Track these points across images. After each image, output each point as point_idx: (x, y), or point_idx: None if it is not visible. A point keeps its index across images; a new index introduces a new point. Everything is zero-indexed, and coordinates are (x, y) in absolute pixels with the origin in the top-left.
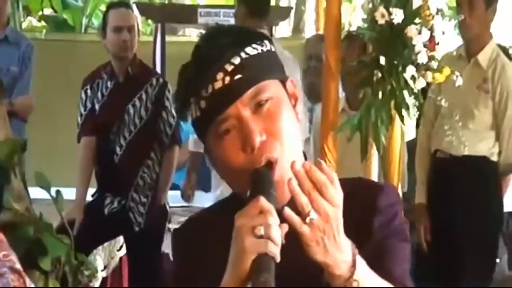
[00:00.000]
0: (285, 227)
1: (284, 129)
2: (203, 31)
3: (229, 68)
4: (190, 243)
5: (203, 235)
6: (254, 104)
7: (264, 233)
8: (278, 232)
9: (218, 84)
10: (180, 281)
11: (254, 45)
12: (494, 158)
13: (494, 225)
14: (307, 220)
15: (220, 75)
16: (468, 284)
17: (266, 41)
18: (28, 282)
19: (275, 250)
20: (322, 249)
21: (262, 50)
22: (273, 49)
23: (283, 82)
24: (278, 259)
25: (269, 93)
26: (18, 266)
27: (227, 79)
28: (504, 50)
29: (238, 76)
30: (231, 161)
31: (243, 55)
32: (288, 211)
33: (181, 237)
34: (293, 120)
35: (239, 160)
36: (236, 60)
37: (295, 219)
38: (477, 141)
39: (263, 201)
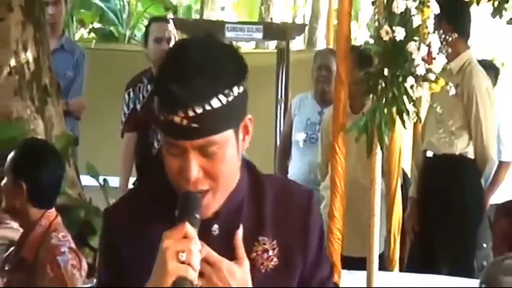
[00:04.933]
0: (204, 251)
1: (222, 170)
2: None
3: (190, 113)
4: (119, 224)
5: (133, 217)
6: (201, 147)
7: (185, 259)
8: (198, 258)
9: (176, 119)
10: (106, 260)
11: (221, 96)
12: (471, 155)
13: (476, 214)
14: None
15: (181, 114)
16: (450, 269)
17: (235, 88)
18: (83, 260)
19: (193, 275)
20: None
21: (227, 100)
22: (241, 91)
23: (238, 127)
24: (195, 283)
25: (218, 144)
26: (73, 245)
27: (185, 121)
28: (490, 63)
29: (194, 125)
30: (171, 176)
31: (206, 106)
32: None
33: (112, 217)
34: (234, 159)
35: (177, 178)
36: (199, 110)
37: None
38: (454, 140)
39: (188, 227)
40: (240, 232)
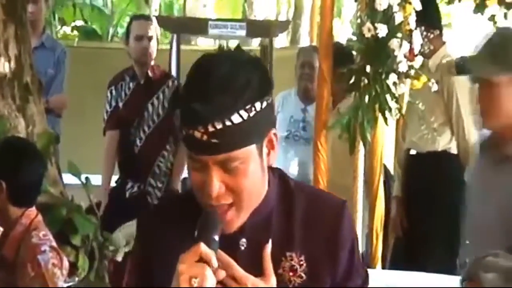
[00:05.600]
0: (222, 273)
1: (245, 185)
2: (215, 41)
3: (211, 129)
4: (154, 229)
5: (166, 223)
6: (223, 163)
7: (198, 284)
8: (212, 282)
9: (197, 134)
10: (138, 261)
11: (242, 112)
12: (454, 151)
13: (459, 211)
14: None
15: (201, 129)
16: (434, 263)
17: (257, 103)
18: (64, 258)
19: None
20: None
21: (248, 116)
22: (264, 106)
23: (261, 142)
24: None
25: (240, 159)
26: (54, 243)
27: (205, 137)
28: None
29: (214, 140)
30: (195, 190)
31: (227, 122)
32: None
33: (148, 221)
34: (257, 174)
35: (200, 192)
36: (219, 125)
37: None
38: (437, 137)
39: (203, 248)
40: (268, 247)
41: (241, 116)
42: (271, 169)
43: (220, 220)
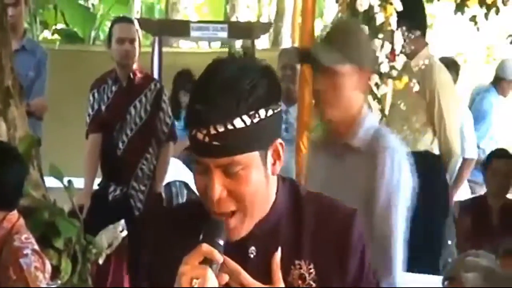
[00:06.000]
0: (225, 277)
1: (247, 192)
2: (194, 44)
3: (212, 131)
4: (157, 234)
5: (169, 229)
6: (225, 167)
7: (199, 285)
8: (213, 283)
9: (199, 135)
10: (141, 266)
11: (245, 117)
12: (436, 151)
13: (441, 211)
14: None
15: (203, 131)
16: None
17: (262, 110)
18: (46, 262)
19: None
20: None
21: (252, 122)
22: (270, 114)
23: (265, 150)
24: None
25: (242, 164)
26: (36, 247)
27: (207, 139)
28: (451, 61)
29: (216, 143)
30: (199, 195)
31: (229, 126)
32: None
33: (151, 226)
34: (260, 183)
35: (203, 197)
36: (221, 128)
37: None
38: (419, 137)
39: (205, 247)
40: (278, 255)
41: (243, 121)
42: (281, 177)
43: (225, 226)
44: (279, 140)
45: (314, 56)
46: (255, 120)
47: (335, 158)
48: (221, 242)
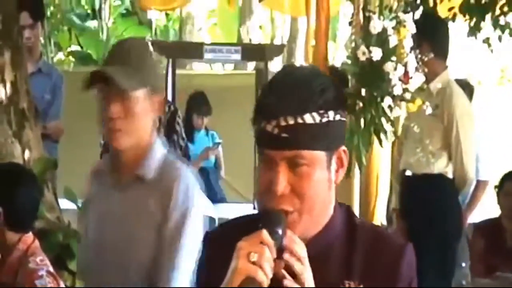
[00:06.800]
0: (281, 264)
1: (309, 189)
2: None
3: (282, 123)
4: (218, 248)
5: (229, 242)
6: (291, 161)
7: (256, 260)
8: (269, 264)
9: (269, 127)
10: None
11: (315, 114)
12: (450, 175)
13: (453, 234)
14: None
15: (273, 122)
16: (429, 285)
17: (331, 112)
18: (61, 283)
19: (262, 278)
20: None
21: (320, 120)
22: (337, 118)
23: (330, 154)
24: (264, 286)
25: (307, 160)
26: (51, 269)
27: (276, 130)
28: (465, 83)
29: (284, 135)
30: (260, 194)
31: (299, 119)
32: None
33: (211, 241)
34: (323, 184)
35: (265, 195)
36: (291, 121)
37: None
38: (433, 160)
39: (265, 234)
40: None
41: (313, 117)
42: (338, 202)
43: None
44: (344, 148)
45: (110, 79)
46: (324, 120)
47: (115, 190)
48: (280, 232)
